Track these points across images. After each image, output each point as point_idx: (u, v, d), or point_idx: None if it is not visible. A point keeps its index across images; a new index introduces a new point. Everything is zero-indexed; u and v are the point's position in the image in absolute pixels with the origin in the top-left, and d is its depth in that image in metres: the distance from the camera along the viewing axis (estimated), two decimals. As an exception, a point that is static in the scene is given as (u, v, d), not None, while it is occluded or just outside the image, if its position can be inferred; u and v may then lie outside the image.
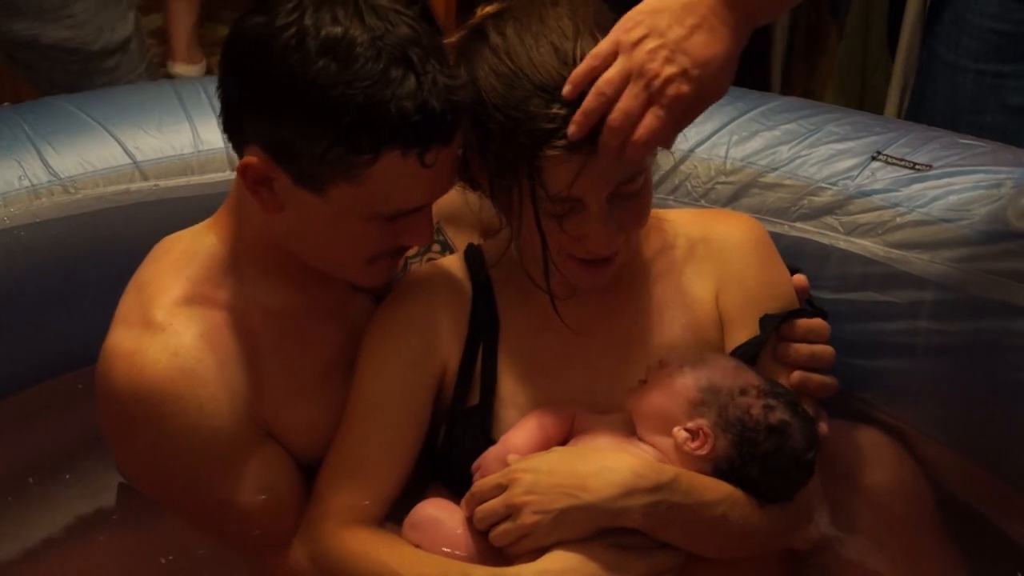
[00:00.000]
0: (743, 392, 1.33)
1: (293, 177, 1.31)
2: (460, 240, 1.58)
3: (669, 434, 1.33)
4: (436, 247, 1.57)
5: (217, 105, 1.36)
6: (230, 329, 1.40)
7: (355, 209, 1.32)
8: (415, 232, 1.37)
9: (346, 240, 1.36)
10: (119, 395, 1.37)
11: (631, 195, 1.34)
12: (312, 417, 1.44)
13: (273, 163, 1.31)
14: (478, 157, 1.34)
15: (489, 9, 1.36)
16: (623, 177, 1.31)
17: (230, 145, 1.38)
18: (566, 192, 1.29)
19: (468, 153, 1.35)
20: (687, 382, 1.34)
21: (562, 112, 1.27)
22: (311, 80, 1.25)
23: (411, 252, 1.54)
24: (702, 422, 1.32)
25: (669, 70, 1.24)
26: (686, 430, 1.33)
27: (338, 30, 1.25)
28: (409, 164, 1.28)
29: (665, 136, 1.27)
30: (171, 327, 1.37)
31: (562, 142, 1.27)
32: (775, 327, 1.45)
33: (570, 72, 1.27)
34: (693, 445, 1.32)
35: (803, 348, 1.47)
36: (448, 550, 1.34)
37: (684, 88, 1.25)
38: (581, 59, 1.28)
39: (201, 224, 1.47)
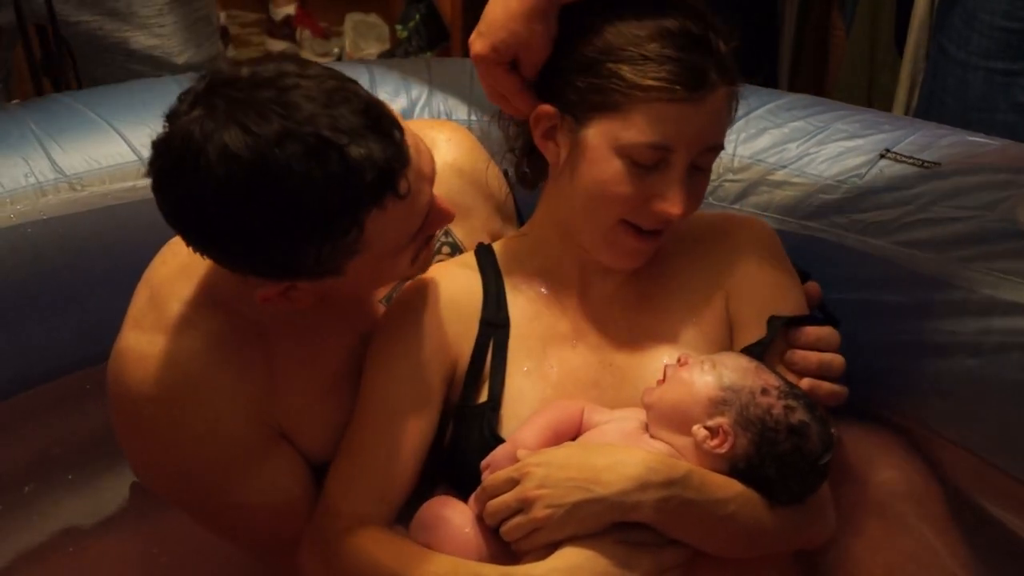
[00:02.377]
0: (764, 392, 1.33)
1: (308, 279, 1.30)
2: (469, 241, 1.58)
3: (687, 432, 1.33)
4: (446, 249, 1.57)
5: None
6: (244, 333, 1.39)
7: (377, 263, 1.32)
8: (435, 222, 1.36)
9: (384, 275, 1.38)
10: (133, 398, 1.37)
11: (703, 168, 1.39)
12: (326, 419, 1.44)
13: (284, 283, 1.30)
14: (561, 90, 1.38)
15: None
16: (712, 140, 1.37)
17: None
18: (662, 139, 1.33)
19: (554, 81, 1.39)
20: (708, 380, 1.33)
21: (678, 55, 1.32)
22: (254, 224, 1.21)
23: None
24: (722, 420, 1.32)
25: (473, 38, 1.42)
26: (706, 428, 1.32)
27: (245, 155, 1.19)
28: (392, 208, 1.26)
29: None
30: (186, 331, 1.37)
31: (678, 88, 1.32)
32: (780, 327, 1.45)
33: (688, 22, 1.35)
34: (713, 443, 1.32)
35: (812, 356, 1.46)
36: (457, 549, 1.34)
37: (476, 46, 1.41)
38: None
39: None
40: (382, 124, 1.25)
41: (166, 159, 1.23)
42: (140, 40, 2.20)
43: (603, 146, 1.36)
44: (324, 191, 1.21)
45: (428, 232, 1.37)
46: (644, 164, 1.35)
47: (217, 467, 1.38)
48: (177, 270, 1.42)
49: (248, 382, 1.38)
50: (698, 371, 1.34)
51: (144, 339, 1.37)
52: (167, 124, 1.25)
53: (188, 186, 1.22)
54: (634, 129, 1.34)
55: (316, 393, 1.43)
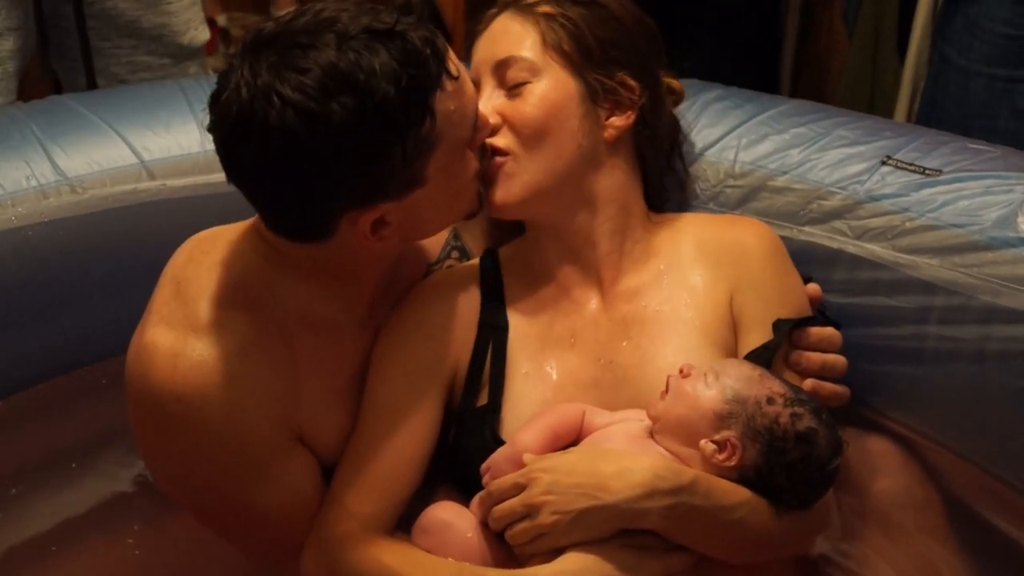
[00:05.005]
0: (770, 401, 1.32)
1: (396, 197, 1.31)
2: (477, 246, 1.59)
3: (694, 445, 1.33)
4: (455, 254, 1.58)
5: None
6: (271, 335, 1.39)
7: (453, 159, 1.34)
8: (482, 124, 1.41)
9: (459, 185, 1.39)
10: (158, 395, 1.36)
11: (515, 85, 1.45)
12: (343, 424, 1.45)
13: (375, 207, 1.31)
14: None
15: None
16: (501, 55, 1.46)
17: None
18: (473, 74, 1.46)
19: None
20: (712, 394, 1.33)
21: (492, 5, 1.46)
22: (349, 127, 1.24)
23: (432, 260, 1.56)
24: (729, 434, 1.32)
25: None
26: (713, 442, 1.32)
27: (314, 69, 1.24)
28: (450, 88, 1.31)
29: None
30: (216, 330, 1.36)
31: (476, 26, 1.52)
32: (788, 331, 1.45)
33: None
34: (721, 457, 1.32)
35: (815, 356, 1.47)
36: (459, 554, 1.34)
37: None
38: None
39: (240, 225, 1.45)
40: (413, 9, 1.32)
41: (230, 126, 1.26)
42: (151, 19, 2.29)
43: None
44: (393, 75, 1.25)
45: (480, 138, 1.40)
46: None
47: (239, 468, 1.38)
48: (206, 268, 1.41)
49: (274, 383, 1.38)
50: (702, 384, 1.34)
51: (173, 336, 1.36)
52: (216, 104, 1.28)
53: (267, 133, 1.24)
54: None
55: (334, 396, 1.44)
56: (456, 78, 1.33)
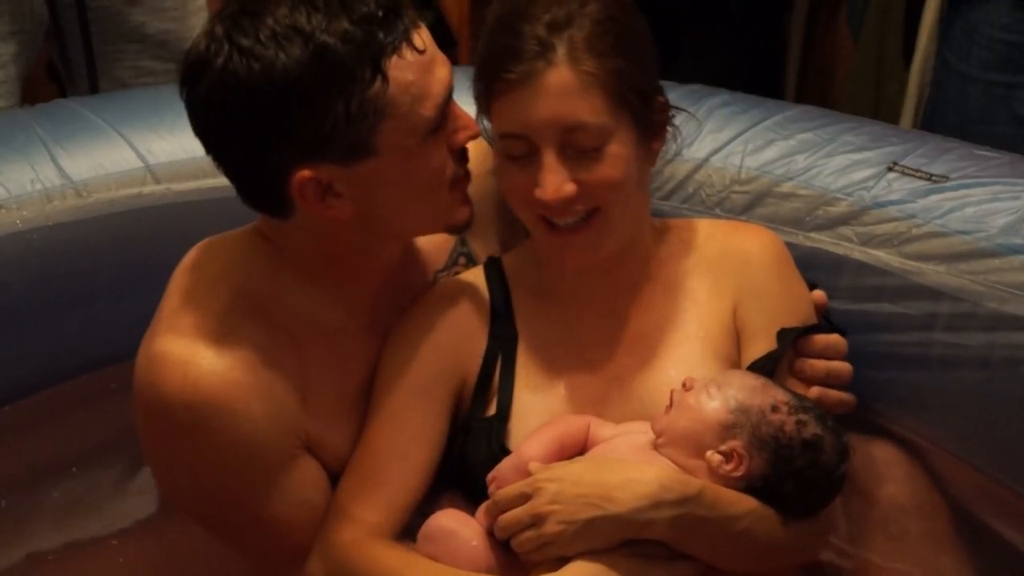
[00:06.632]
0: (774, 409, 1.32)
1: (342, 161, 1.31)
2: (483, 251, 1.58)
3: (701, 457, 1.33)
4: (462, 260, 1.57)
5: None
6: (279, 342, 1.39)
7: (410, 138, 1.32)
8: (462, 125, 1.38)
9: (421, 176, 1.36)
10: (168, 403, 1.35)
11: (588, 150, 1.35)
12: (350, 431, 1.44)
13: (318, 164, 1.30)
14: None
15: None
16: (569, 121, 1.34)
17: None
18: (511, 128, 1.36)
19: None
20: (716, 405, 1.33)
21: (519, 41, 1.34)
22: (290, 73, 1.26)
23: (440, 266, 1.55)
24: (735, 444, 1.32)
25: None
26: (720, 453, 1.32)
27: (269, 19, 1.27)
28: (411, 60, 1.30)
29: None
30: (226, 338, 1.36)
31: (511, 72, 1.33)
32: (791, 341, 1.45)
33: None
34: (728, 467, 1.32)
35: (820, 364, 1.47)
36: (464, 562, 1.34)
37: None
38: None
39: (246, 230, 1.45)
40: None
41: (187, 70, 1.31)
42: (156, 24, 2.31)
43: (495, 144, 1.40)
44: (344, 33, 1.26)
45: (459, 138, 1.38)
46: (516, 156, 1.37)
47: (247, 477, 1.38)
48: (213, 274, 1.41)
49: (283, 392, 1.38)
50: (705, 395, 1.34)
51: (182, 345, 1.36)
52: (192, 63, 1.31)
53: (215, 74, 1.28)
54: (496, 122, 1.38)
55: (342, 405, 1.44)
56: (422, 52, 1.31)
